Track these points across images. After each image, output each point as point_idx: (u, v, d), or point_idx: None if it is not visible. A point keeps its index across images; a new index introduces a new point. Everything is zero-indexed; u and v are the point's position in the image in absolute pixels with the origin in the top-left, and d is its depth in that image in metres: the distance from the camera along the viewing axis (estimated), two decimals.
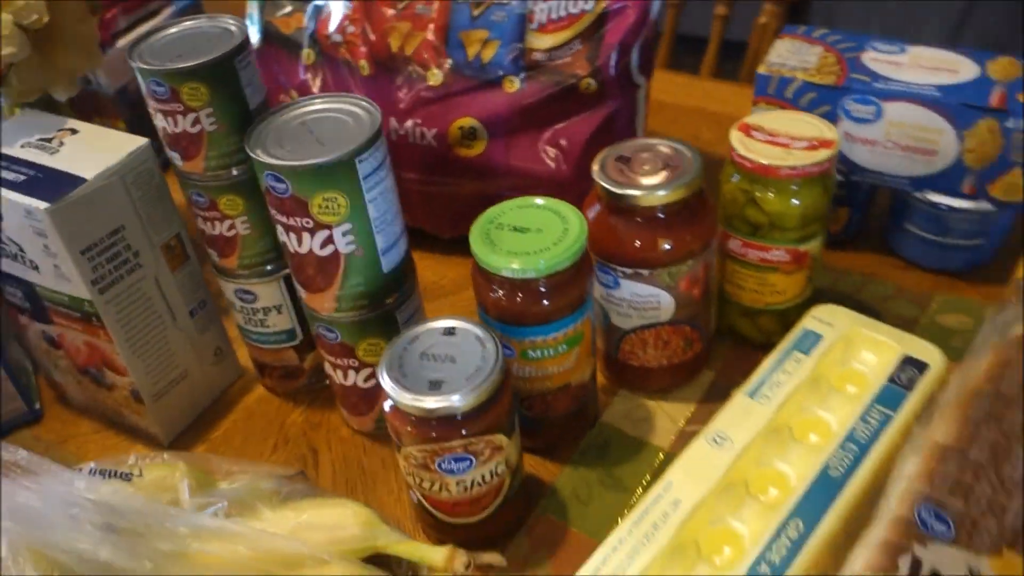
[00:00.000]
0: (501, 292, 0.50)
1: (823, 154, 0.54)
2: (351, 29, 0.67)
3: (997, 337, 0.50)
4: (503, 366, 0.46)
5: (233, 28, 0.51)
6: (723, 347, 0.63)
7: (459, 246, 0.59)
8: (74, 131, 0.55)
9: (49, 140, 0.54)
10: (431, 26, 0.65)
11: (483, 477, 0.48)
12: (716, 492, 0.46)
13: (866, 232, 0.71)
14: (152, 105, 0.50)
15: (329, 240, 0.48)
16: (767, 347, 0.59)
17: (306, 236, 0.48)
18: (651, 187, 0.52)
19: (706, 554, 0.45)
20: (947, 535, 0.39)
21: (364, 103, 0.49)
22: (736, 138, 0.56)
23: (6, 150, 0.53)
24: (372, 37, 0.66)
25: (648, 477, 0.55)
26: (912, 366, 0.51)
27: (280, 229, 0.49)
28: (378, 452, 0.59)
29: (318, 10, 0.68)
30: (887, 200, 0.69)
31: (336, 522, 0.49)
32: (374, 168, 0.48)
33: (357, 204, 0.47)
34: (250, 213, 0.54)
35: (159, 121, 0.50)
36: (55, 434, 0.63)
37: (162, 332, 0.57)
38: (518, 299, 0.49)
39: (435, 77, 0.65)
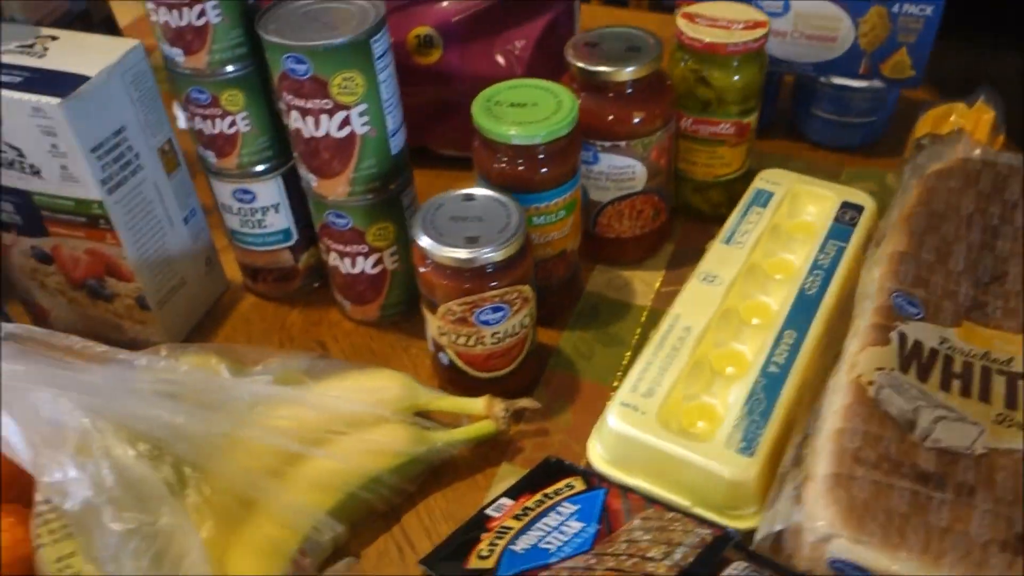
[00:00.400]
0: (504, 161, 0.54)
1: (759, 32, 0.61)
2: None
3: (916, 177, 0.60)
4: (525, 221, 0.51)
5: None
6: (677, 222, 0.70)
7: (420, 155, 0.62)
8: (54, 37, 0.54)
9: (31, 46, 0.53)
10: None
11: (513, 327, 0.53)
12: (716, 320, 0.53)
13: (776, 121, 0.80)
14: (158, 2, 0.50)
15: (346, 121, 0.51)
16: (717, 219, 0.67)
17: (324, 118, 0.51)
18: (622, 64, 0.58)
19: (719, 369, 0.52)
20: (919, 315, 0.48)
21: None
22: (682, 24, 0.63)
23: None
24: None
25: (639, 331, 0.62)
26: (851, 209, 0.61)
27: (295, 115, 0.52)
28: (385, 338, 0.62)
29: None
30: (791, 91, 0.79)
31: (379, 385, 0.53)
32: (384, 50, 0.51)
33: (372, 84, 0.51)
34: (251, 108, 0.55)
35: (161, 16, 0.51)
36: None
37: (162, 237, 0.58)
38: (520, 166, 0.54)
39: None
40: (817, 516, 0.41)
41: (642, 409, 0.48)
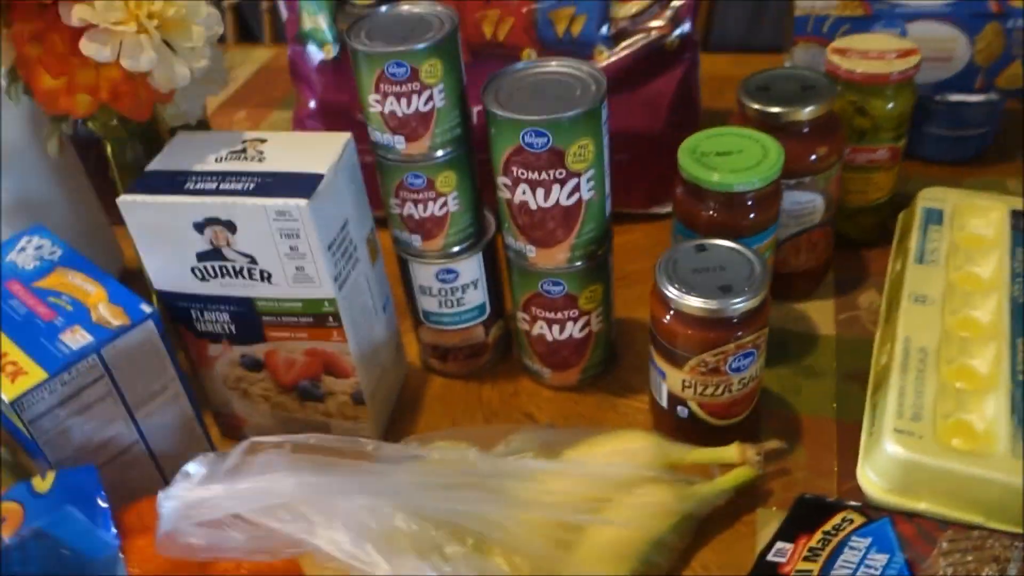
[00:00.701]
0: (713, 208, 0.55)
1: (914, 59, 0.64)
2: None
3: None
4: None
5: (429, 10, 0.53)
6: None
7: None
8: (262, 140, 0.54)
9: (243, 151, 0.53)
10: (521, 10, 0.69)
11: (755, 372, 0.53)
12: (942, 339, 0.55)
13: None
14: (382, 90, 0.51)
15: (576, 188, 0.52)
16: (866, 244, 0.68)
17: (555, 188, 0.52)
18: (800, 104, 0.60)
19: (958, 386, 0.53)
20: None
21: (580, 65, 0.53)
22: (836, 58, 0.65)
23: (205, 167, 0.52)
24: (466, 28, 0.69)
25: (834, 361, 0.63)
26: (1021, 216, 0.63)
27: (522, 188, 0.52)
28: (588, 400, 0.62)
29: None
30: None
31: (630, 447, 0.53)
32: (607, 116, 0.52)
33: (599, 150, 0.52)
34: (460, 188, 0.56)
35: (387, 107, 0.52)
36: None
37: (371, 328, 0.58)
38: (730, 213, 0.55)
39: (529, 56, 0.70)
40: None
41: (918, 433, 0.49)
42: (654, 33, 0.70)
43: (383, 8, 0.54)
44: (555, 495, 0.48)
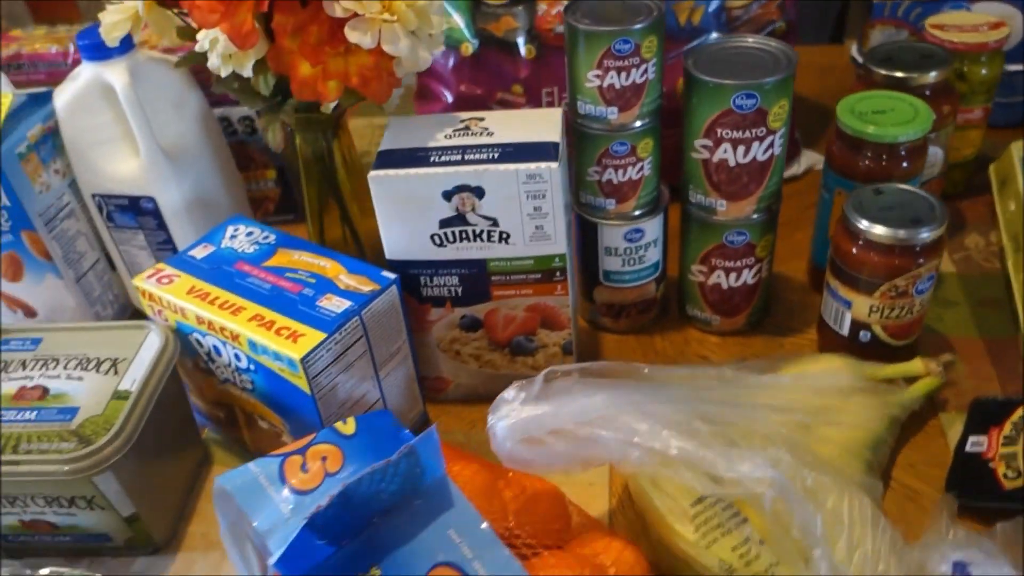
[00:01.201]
0: (870, 159, 0.63)
1: (1004, 30, 0.73)
2: None
3: None
4: None
5: None
6: None
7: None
8: (479, 119, 0.60)
9: (467, 129, 0.59)
10: None
11: (931, 294, 0.61)
12: None
13: None
14: (605, 65, 0.57)
15: (771, 145, 0.59)
16: (956, 196, 0.77)
17: (755, 145, 0.59)
18: (924, 70, 0.68)
19: None
20: None
21: (767, 41, 0.60)
22: (937, 33, 0.74)
23: (441, 143, 0.57)
24: None
25: (962, 293, 0.71)
26: None
27: (724, 147, 0.59)
28: (756, 342, 0.69)
29: (530, 10, 0.77)
30: None
31: (830, 366, 0.60)
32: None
33: (790, 110, 0.59)
34: (654, 154, 0.62)
35: (607, 80, 0.58)
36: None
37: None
38: (884, 163, 0.63)
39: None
40: None
41: None
42: (765, 20, 0.78)
43: None
44: (792, 402, 0.54)
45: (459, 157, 0.56)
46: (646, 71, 0.58)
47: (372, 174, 0.56)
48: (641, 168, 0.62)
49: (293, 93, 0.55)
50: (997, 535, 0.47)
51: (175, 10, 0.60)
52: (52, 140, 0.69)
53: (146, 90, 0.66)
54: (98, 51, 0.65)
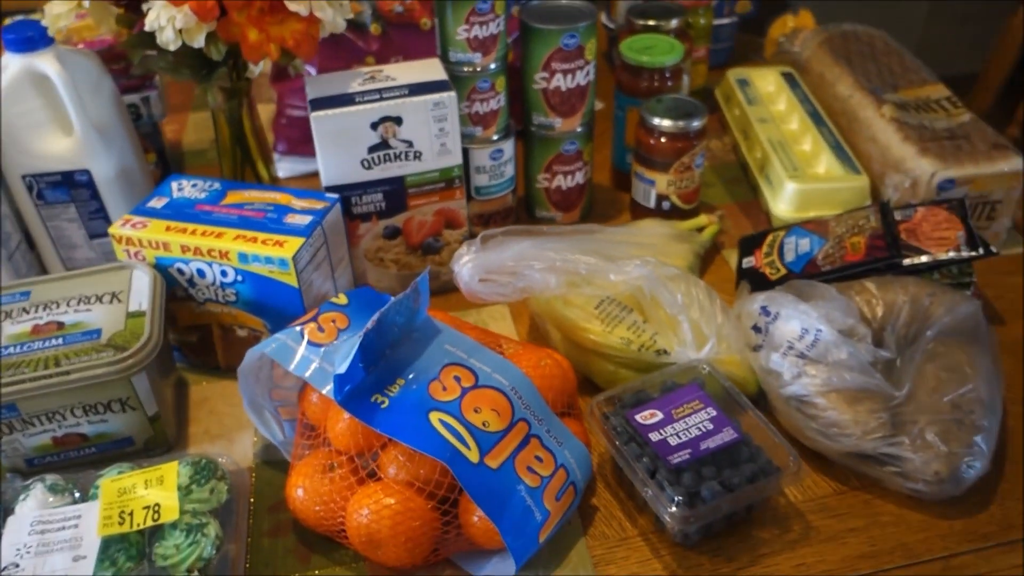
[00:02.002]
0: (646, 80, 0.90)
1: None
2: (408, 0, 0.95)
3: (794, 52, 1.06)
4: None
5: None
6: None
7: None
8: (379, 71, 0.78)
9: (372, 77, 0.76)
10: None
11: (703, 169, 0.88)
12: (782, 137, 0.94)
13: None
14: (471, 21, 0.77)
15: (588, 72, 0.83)
16: None
17: (579, 73, 0.82)
18: (668, 18, 0.96)
19: (803, 149, 0.93)
20: None
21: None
22: None
23: (358, 89, 0.75)
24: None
25: (717, 175, 1.00)
26: (789, 77, 1.05)
27: (557, 77, 0.82)
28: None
29: None
30: None
31: (649, 223, 0.85)
32: None
33: (594, 45, 0.83)
34: (505, 90, 0.84)
35: (472, 32, 0.78)
36: None
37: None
38: (656, 83, 0.90)
39: None
40: None
41: (799, 175, 0.87)
42: None
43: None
44: (639, 242, 0.78)
45: (378, 96, 0.74)
46: (499, 24, 0.79)
47: (314, 114, 0.72)
48: (499, 100, 0.83)
49: (244, 55, 0.70)
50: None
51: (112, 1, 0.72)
52: None
53: (71, 76, 0.76)
54: (27, 44, 0.74)
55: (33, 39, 0.73)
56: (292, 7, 0.69)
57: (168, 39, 0.69)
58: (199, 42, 0.69)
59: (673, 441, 0.61)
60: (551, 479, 0.60)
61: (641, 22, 0.96)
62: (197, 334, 0.75)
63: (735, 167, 1.02)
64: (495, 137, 0.85)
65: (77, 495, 0.62)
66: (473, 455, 0.57)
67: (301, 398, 0.67)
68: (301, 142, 0.99)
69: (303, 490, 0.62)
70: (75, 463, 0.68)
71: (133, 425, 0.67)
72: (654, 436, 0.61)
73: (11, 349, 0.63)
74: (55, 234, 0.82)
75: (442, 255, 0.83)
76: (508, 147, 0.87)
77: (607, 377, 0.71)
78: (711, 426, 0.62)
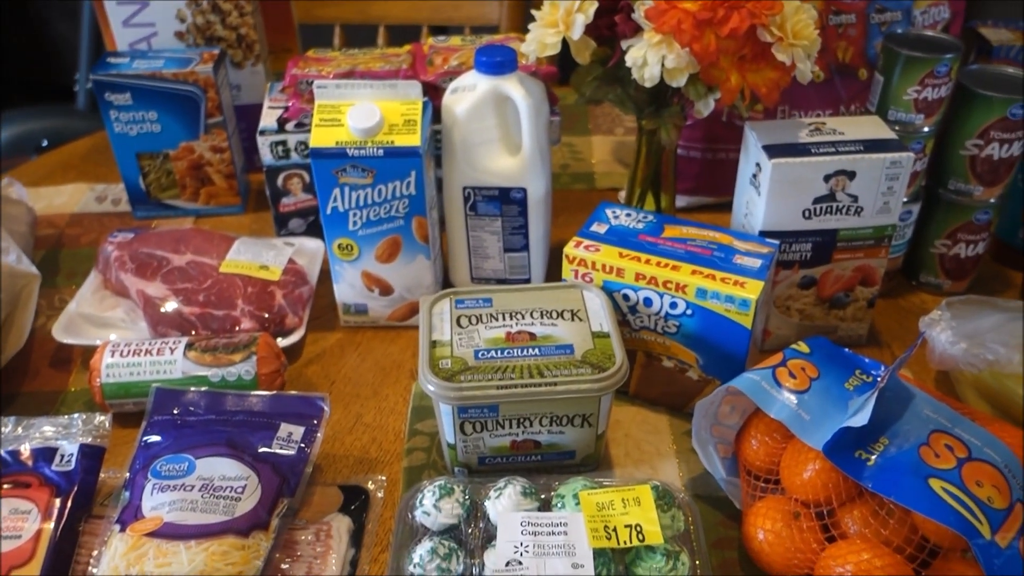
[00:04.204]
0: None
1: None
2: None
3: None
4: None
5: None
6: None
7: None
8: (823, 123, 0.78)
9: (818, 129, 0.77)
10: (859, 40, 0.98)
11: None
12: None
13: None
14: (925, 83, 0.77)
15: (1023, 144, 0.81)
16: None
17: (1016, 144, 0.80)
18: None
19: None
20: None
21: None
22: None
23: (809, 140, 0.75)
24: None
25: None
26: None
27: (993, 145, 0.80)
28: None
29: None
30: None
31: None
32: None
33: None
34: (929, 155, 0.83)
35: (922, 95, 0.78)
36: None
37: None
38: None
39: (863, 75, 0.98)
40: None
41: None
42: None
43: None
44: None
45: (833, 150, 0.74)
46: (949, 88, 0.79)
47: (774, 161, 0.73)
48: (923, 163, 0.82)
49: (722, 99, 0.72)
50: None
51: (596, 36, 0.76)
52: (433, 140, 0.81)
53: (531, 100, 0.80)
54: (497, 67, 0.79)
55: (503, 63, 0.78)
56: (780, 57, 0.70)
57: (652, 76, 0.72)
58: (679, 81, 0.72)
59: None
60: None
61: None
62: None
63: None
64: (906, 199, 0.84)
65: (538, 500, 0.65)
66: (985, 530, 0.56)
67: (738, 439, 0.68)
68: (681, 178, 1.01)
69: (765, 533, 0.62)
70: (520, 467, 0.71)
71: (582, 440, 0.69)
72: None
73: (493, 353, 0.67)
74: (474, 244, 0.87)
75: (846, 311, 0.82)
76: (916, 210, 0.86)
77: None
78: None
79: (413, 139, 0.77)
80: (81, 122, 2.17)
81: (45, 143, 2.15)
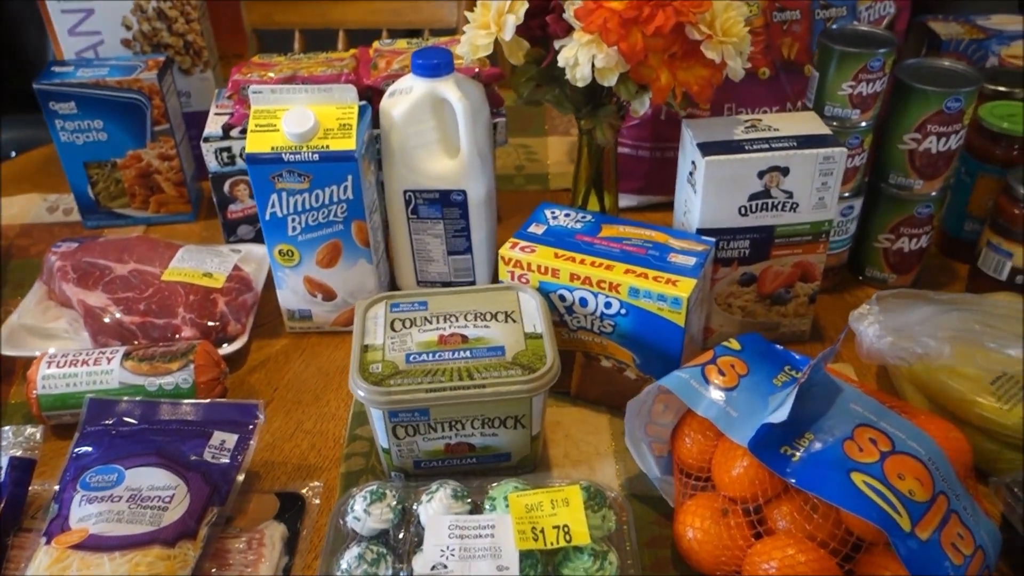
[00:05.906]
0: (1002, 148, 0.87)
1: None
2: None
3: None
4: None
5: None
6: None
7: None
8: (758, 119, 0.78)
9: (753, 126, 0.77)
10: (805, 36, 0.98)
11: None
12: None
13: None
14: (859, 77, 0.77)
15: (960, 136, 0.81)
16: None
17: (952, 137, 0.80)
18: None
19: None
20: None
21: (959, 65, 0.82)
22: (1013, 60, 0.99)
23: (744, 136, 0.75)
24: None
25: None
26: None
27: (931, 139, 0.80)
28: None
29: None
30: None
31: (1010, 298, 0.81)
32: None
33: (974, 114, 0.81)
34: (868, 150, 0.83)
35: (858, 89, 0.78)
36: None
37: None
38: (1015, 151, 0.87)
39: (809, 72, 0.98)
40: None
41: None
42: None
43: None
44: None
45: (767, 146, 0.74)
46: (883, 82, 0.79)
47: (708, 159, 0.73)
48: (862, 157, 0.83)
49: (653, 98, 0.72)
50: None
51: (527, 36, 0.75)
52: (373, 144, 0.81)
53: (468, 102, 0.80)
54: (433, 70, 0.78)
55: (439, 66, 0.78)
56: (709, 55, 0.70)
57: (583, 76, 0.72)
58: (610, 81, 0.72)
59: None
60: (971, 560, 0.58)
61: (992, 87, 0.93)
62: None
63: None
64: (847, 194, 0.85)
65: (469, 503, 0.65)
66: (905, 523, 0.56)
67: (673, 437, 0.68)
68: (629, 178, 1.01)
69: (695, 531, 0.62)
70: (455, 471, 0.71)
71: (516, 442, 0.69)
72: None
73: (424, 357, 0.67)
74: (417, 247, 0.86)
75: (787, 307, 0.82)
76: (858, 205, 0.86)
77: (987, 456, 0.69)
78: None
79: (348, 143, 0.76)
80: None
81: (13, 154, 2.13)
